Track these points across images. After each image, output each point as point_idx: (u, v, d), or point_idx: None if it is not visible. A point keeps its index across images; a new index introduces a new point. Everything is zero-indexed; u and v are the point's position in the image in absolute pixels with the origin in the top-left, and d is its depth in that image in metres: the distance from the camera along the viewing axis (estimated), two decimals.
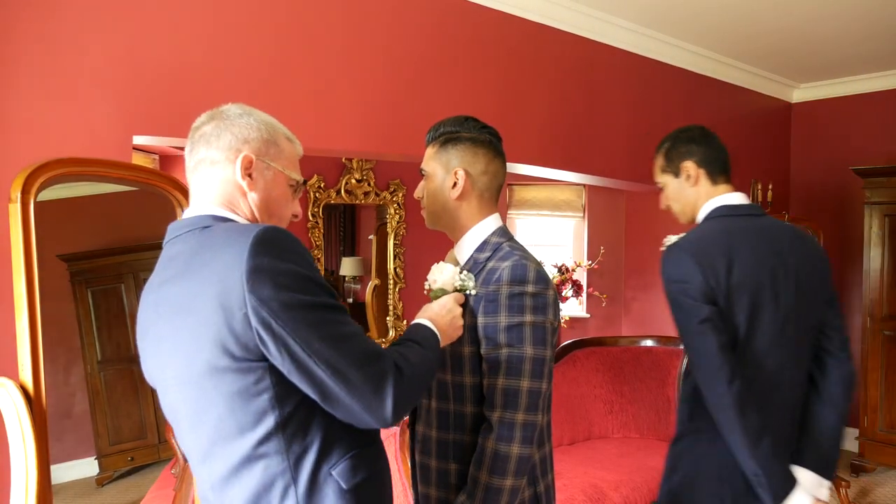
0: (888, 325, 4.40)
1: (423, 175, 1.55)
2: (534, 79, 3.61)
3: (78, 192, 2.17)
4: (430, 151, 1.53)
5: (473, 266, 1.46)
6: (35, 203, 1.51)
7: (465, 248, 1.50)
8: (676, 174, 1.87)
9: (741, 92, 4.91)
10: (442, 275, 1.44)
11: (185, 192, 1.99)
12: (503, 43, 3.46)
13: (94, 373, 2.27)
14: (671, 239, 1.83)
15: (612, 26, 3.89)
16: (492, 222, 1.51)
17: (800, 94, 5.35)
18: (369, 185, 4.58)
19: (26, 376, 1.38)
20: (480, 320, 1.38)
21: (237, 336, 0.99)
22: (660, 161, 1.94)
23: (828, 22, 3.87)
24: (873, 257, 4.47)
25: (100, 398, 2.27)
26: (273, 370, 1.01)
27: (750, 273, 1.65)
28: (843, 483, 3.98)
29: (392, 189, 4.69)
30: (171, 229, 1.22)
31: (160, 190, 1.98)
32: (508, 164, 3.65)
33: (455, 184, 1.47)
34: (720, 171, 1.84)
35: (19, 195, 1.46)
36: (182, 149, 3.43)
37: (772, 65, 4.78)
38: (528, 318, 1.34)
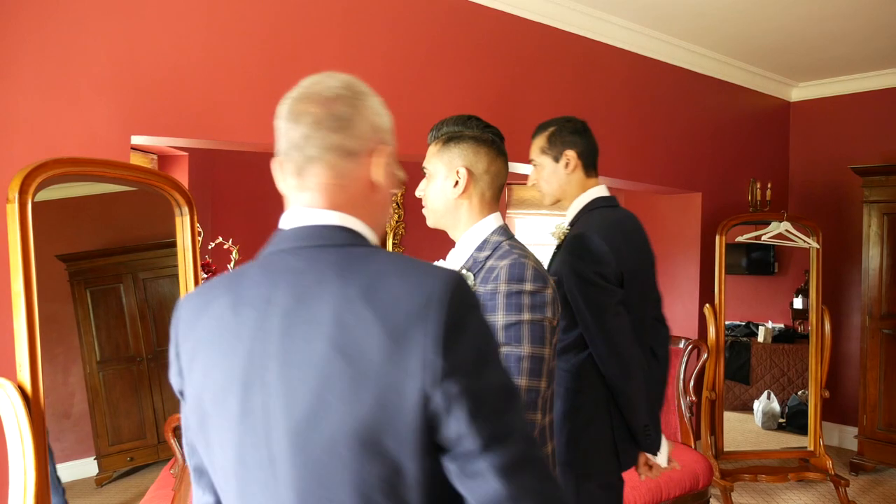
0: (887, 324, 4.40)
1: (424, 173, 1.55)
2: (533, 78, 3.61)
3: (77, 192, 2.16)
4: (432, 150, 1.53)
5: (473, 265, 1.47)
6: (33, 203, 1.51)
7: (466, 246, 1.50)
8: (556, 159, 2.04)
9: (740, 91, 4.91)
10: None
11: (183, 192, 1.98)
12: (502, 42, 3.46)
13: (94, 373, 2.27)
14: (563, 226, 2.00)
15: (611, 25, 3.89)
16: (492, 221, 1.51)
17: (798, 92, 5.35)
18: None
19: (24, 377, 1.37)
20: None
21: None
22: (541, 142, 2.09)
23: (826, 21, 3.87)
24: (872, 256, 4.47)
25: (99, 398, 2.27)
26: None
27: (637, 259, 1.96)
28: (842, 482, 3.98)
29: None
30: (287, 238, 0.93)
31: (158, 190, 1.97)
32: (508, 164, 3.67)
33: (457, 182, 1.47)
34: (593, 165, 2.09)
35: (17, 195, 1.45)
36: (180, 149, 3.45)
37: (770, 64, 4.79)
38: (526, 316, 1.34)
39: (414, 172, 5.37)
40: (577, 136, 2.05)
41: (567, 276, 1.85)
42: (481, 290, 1.40)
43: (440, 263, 1.48)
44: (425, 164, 1.54)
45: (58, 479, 2.01)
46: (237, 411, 0.86)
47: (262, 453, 0.85)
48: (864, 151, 4.99)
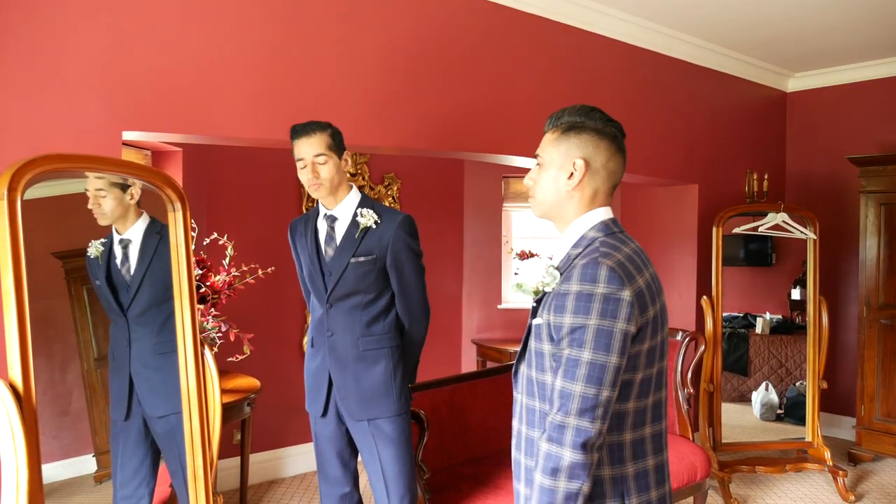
0: (884, 314, 4.40)
1: (537, 161, 1.48)
2: (528, 70, 3.60)
3: (72, 188, 2.15)
4: (548, 138, 1.46)
5: (565, 262, 1.41)
6: (23, 200, 1.50)
7: (566, 242, 1.45)
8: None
9: (736, 82, 4.90)
10: (528, 272, 1.39)
11: (174, 187, 1.97)
12: (497, 33, 3.45)
13: (91, 370, 2.26)
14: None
15: (607, 17, 3.88)
16: (597, 215, 1.43)
17: (795, 83, 5.34)
18: (363, 178, 4.56)
19: (16, 375, 1.37)
20: (551, 319, 1.34)
21: None
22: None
23: (822, 10, 3.86)
24: (869, 246, 4.47)
25: (96, 395, 2.27)
26: None
27: None
28: (840, 472, 3.99)
29: (387, 182, 4.68)
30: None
31: (149, 186, 1.96)
32: (502, 157, 3.66)
33: (572, 174, 1.40)
34: None
35: (6, 192, 1.44)
36: (174, 144, 3.44)
37: (767, 54, 4.77)
38: (594, 320, 1.28)
39: (408, 167, 5.35)
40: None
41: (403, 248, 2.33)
42: (557, 288, 1.35)
43: (531, 260, 1.44)
44: (539, 151, 1.47)
45: None
46: None
47: None
48: (861, 141, 4.98)
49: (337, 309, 2.35)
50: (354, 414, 2.35)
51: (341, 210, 2.36)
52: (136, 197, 2.11)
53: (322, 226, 2.39)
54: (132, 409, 2.20)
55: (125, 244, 2.17)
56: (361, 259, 2.30)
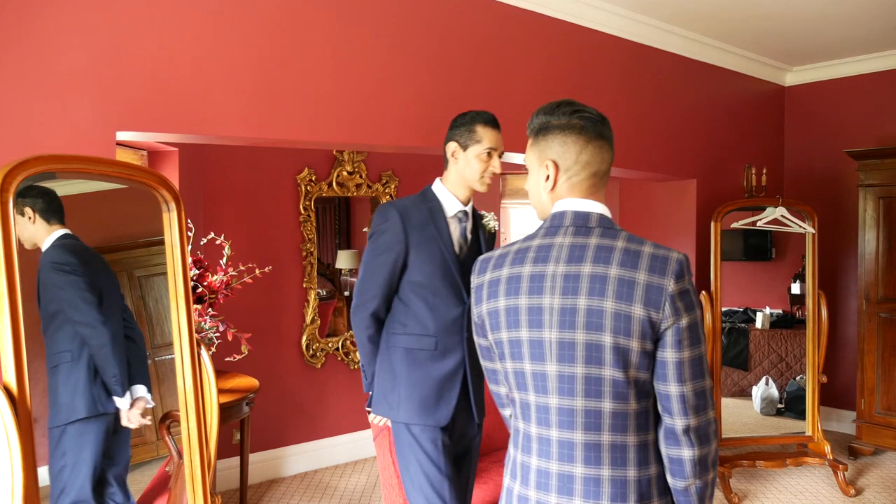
0: (884, 308, 4.39)
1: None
2: (524, 65, 3.59)
3: (71, 190, 2.14)
4: (528, 144, 1.47)
5: None
6: (14, 201, 1.49)
7: None
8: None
9: (734, 76, 4.89)
10: None
11: (169, 187, 1.96)
12: (492, 29, 3.44)
13: None
14: None
15: (603, 12, 3.87)
16: (550, 211, 1.45)
17: (793, 77, 5.33)
18: (361, 177, 4.56)
19: (10, 378, 1.36)
20: None
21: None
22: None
23: (820, 4, 3.84)
24: (868, 240, 4.46)
25: None
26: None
27: None
28: (840, 466, 3.98)
29: (384, 181, 4.67)
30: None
31: (143, 186, 1.95)
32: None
33: (548, 177, 1.40)
34: None
35: None
36: (170, 144, 3.43)
37: (764, 48, 4.76)
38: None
39: (405, 164, 5.33)
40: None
41: None
42: None
43: None
44: (524, 159, 1.49)
45: None
46: None
47: None
48: (860, 135, 4.97)
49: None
50: (478, 415, 2.34)
51: (470, 207, 2.39)
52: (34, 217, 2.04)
53: (455, 221, 2.35)
54: None
55: None
56: None
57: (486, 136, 2.28)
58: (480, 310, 1.41)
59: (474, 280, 1.43)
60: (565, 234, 1.35)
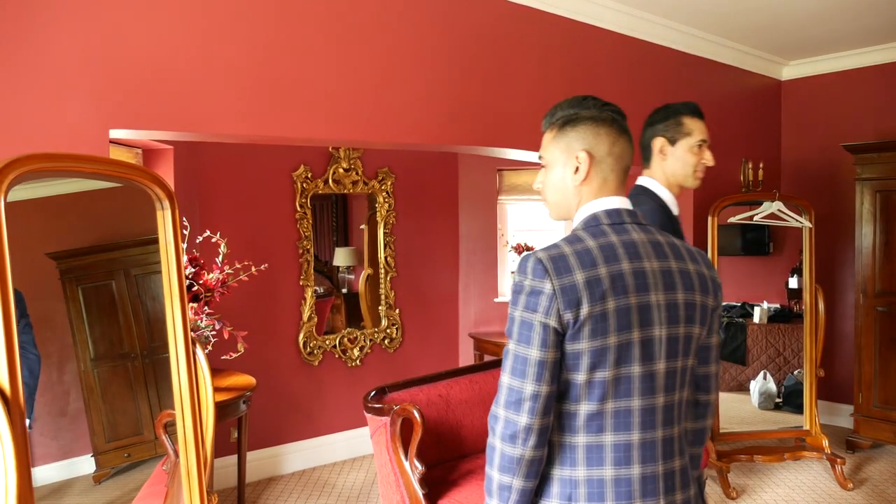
0: (881, 301, 4.40)
1: (541, 164, 1.45)
2: (521, 62, 3.58)
3: (65, 189, 2.14)
4: (547, 137, 1.41)
5: None
6: (6, 200, 1.48)
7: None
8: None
9: (731, 71, 4.88)
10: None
11: (162, 185, 1.95)
12: (487, 25, 3.43)
13: (88, 370, 2.25)
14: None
15: (599, 7, 3.86)
16: (592, 206, 1.36)
17: (789, 71, 5.32)
18: (357, 173, 4.55)
19: (2, 377, 1.35)
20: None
21: None
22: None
23: None
24: (865, 234, 4.47)
25: (94, 395, 2.26)
26: None
27: None
28: (838, 460, 3.99)
29: (380, 177, 4.66)
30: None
31: (137, 184, 1.94)
32: (497, 150, 3.65)
33: (577, 168, 1.36)
34: None
35: None
36: (164, 142, 3.42)
37: (761, 42, 4.75)
38: (518, 312, 1.27)
39: (402, 161, 5.33)
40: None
41: None
42: None
43: None
44: (541, 152, 1.43)
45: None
46: None
47: None
48: (856, 129, 4.97)
49: None
50: None
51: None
52: None
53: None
54: None
55: None
56: None
57: (695, 128, 2.17)
58: (578, 314, 1.23)
59: (550, 281, 1.24)
60: (633, 231, 1.33)
